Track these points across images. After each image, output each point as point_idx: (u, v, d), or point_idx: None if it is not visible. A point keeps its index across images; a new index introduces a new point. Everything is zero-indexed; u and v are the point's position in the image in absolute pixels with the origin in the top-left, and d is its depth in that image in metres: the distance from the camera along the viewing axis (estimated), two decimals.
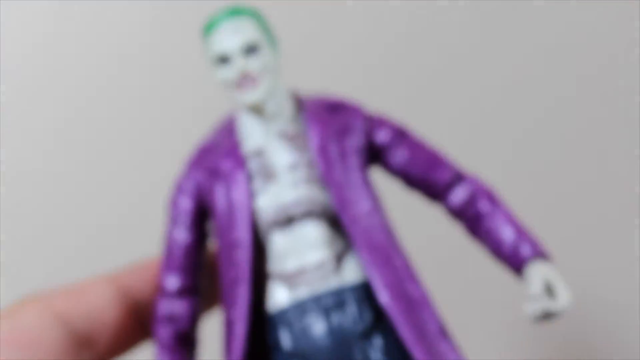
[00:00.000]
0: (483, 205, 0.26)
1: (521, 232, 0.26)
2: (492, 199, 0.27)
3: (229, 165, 0.26)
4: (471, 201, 0.27)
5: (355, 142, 0.26)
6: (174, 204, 0.29)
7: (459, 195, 0.27)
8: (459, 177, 0.27)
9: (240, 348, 0.24)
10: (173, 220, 0.29)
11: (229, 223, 0.25)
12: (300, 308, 0.24)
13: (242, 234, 0.24)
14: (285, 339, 0.24)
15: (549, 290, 0.24)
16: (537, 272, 0.25)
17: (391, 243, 0.25)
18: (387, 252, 0.25)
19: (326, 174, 0.25)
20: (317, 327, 0.23)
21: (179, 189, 0.29)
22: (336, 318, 0.23)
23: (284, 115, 0.26)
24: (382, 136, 0.27)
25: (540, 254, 0.26)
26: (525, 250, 0.25)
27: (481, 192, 0.27)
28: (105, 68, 0.77)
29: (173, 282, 0.28)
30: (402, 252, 0.26)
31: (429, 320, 0.24)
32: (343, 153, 0.25)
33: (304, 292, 0.24)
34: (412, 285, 0.24)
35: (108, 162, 0.76)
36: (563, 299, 0.24)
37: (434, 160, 0.27)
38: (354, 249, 0.24)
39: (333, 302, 0.23)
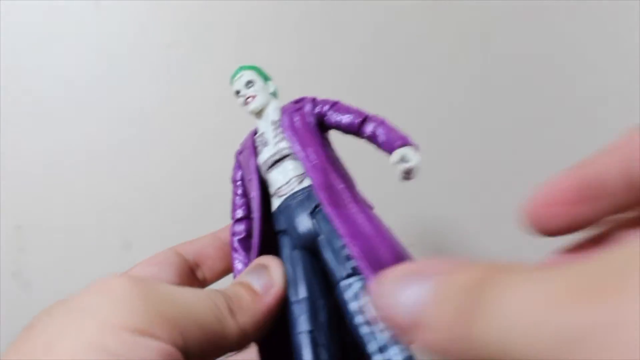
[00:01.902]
0: (380, 132, 0.44)
1: (402, 137, 0.42)
2: (385, 128, 0.44)
3: (247, 143, 0.47)
4: (372, 134, 0.44)
5: (307, 116, 0.45)
6: (234, 174, 0.49)
7: (365, 131, 0.44)
8: (364, 121, 0.44)
9: (258, 229, 0.44)
10: (232, 183, 0.49)
11: (247, 169, 0.46)
12: (284, 203, 0.43)
13: (253, 167, 0.45)
14: (281, 223, 0.43)
15: (405, 159, 0.40)
16: (397, 151, 0.41)
17: (329, 166, 0.42)
18: (325, 170, 0.42)
19: (290, 134, 0.44)
20: (292, 209, 0.42)
21: (234, 167, 0.50)
22: (299, 205, 0.42)
23: (271, 114, 0.47)
24: (321, 108, 0.45)
25: (406, 143, 0.42)
26: (397, 143, 0.42)
27: (379, 124, 0.44)
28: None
29: (238, 213, 0.48)
30: (337, 172, 0.43)
31: (342, 192, 0.41)
32: (302, 122, 0.44)
33: (285, 195, 0.43)
34: (336, 181, 0.42)
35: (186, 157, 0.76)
36: (413, 160, 0.40)
37: (348, 114, 0.45)
38: (305, 168, 0.43)
39: (301, 195, 0.42)
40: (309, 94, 0.44)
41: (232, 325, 0.35)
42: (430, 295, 0.22)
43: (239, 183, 0.48)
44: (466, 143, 0.78)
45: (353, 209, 0.40)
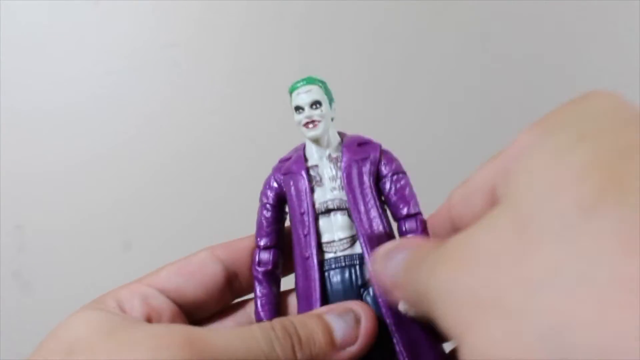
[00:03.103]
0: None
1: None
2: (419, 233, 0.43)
3: (298, 170, 0.43)
4: (407, 235, 0.42)
5: (369, 167, 0.42)
6: (263, 194, 0.45)
7: (404, 227, 0.42)
8: (409, 215, 0.42)
9: (316, 269, 0.40)
10: (262, 205, 0.44)
11: (299, 202, 0.42)
12: (328, 263, 0.41)
13: (308, 208, 0.42)
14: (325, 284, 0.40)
15: None
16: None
17: (383, 232, 0.40)
18: (379, 239, 0.40)
19: (349, 190, 0.41)
20: (335, 278, 0.40)
21: (266, 185, 0.45)
22: (347, 272, 0.40)
23: (331, 146, 0.43)
24: (385, 169, 0.43)
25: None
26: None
27: (415, 231, 0.42)
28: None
29: (263, 241, 0.44)
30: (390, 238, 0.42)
31: None
32: (360, 173, 0.42)
33: (330, 254, 0.41)
34: None
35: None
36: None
37: (402, 198, 0.43)
38: (358, 234, 0.40)
39: (348, 263, 0.40)
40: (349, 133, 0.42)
41: None
42: (402, 264, 0.30)
43: (269, 205, 0.44)
44: (466, 145, 0.78)
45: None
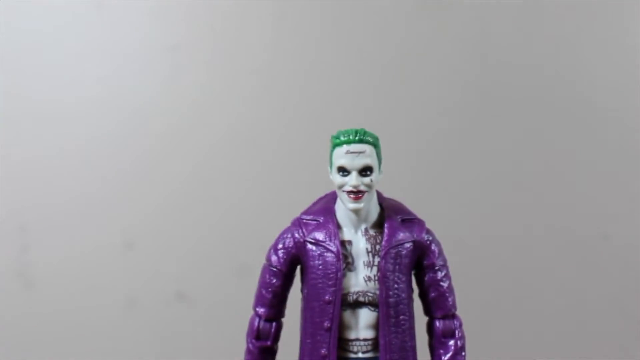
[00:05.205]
0: (447, 347, 0.38)
1: None
2: (456, 349, 0.38)
3: (330, 243, 0.36)
4: (443, 336, 0.39)
5: (410, 257, 0.37)
6: (274, 253, 0.38)
7: (440, 327, 0.39)
8: (446, 316, 0.39)
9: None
10: (269, 266, 0.38)
11: (324, 284, 0.36)
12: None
13: (335, 298, 0.35)
14: None
15: None
16: None
17: (408, 345, 0.36)
18: (402, 352, 0.36)
19: (382, 282, 0.36)
20: None
21: (278, 243, 0.38)
22: None
23: (370, 218, 0.37)
24: (426, 260, 0.38)
25: None
26: None
27: (453, 337, 0.39)
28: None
29: (262, 311, 0.38)
30: (414, 346, 0.37)
31: None
32: (399, 264, 0.36)
33: (350, 355, 0.36)
34: None
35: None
36: None
37: (442, 294, 0.38)
38: (381, 341, 0.36)
39: None
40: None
41: None
42: None
43: (278, 272, 0.38)
44: (466, 148, 0.78)
45: None
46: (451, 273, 0.39)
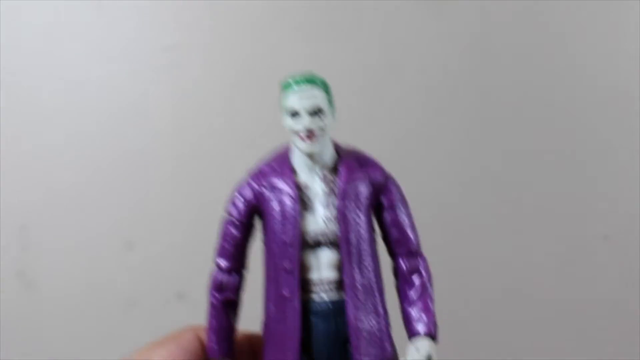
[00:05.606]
0: (412, 285, 0.37)
1: (424, 312, 0.36)
2: (423, 284, 0.37)
3: (286, 187, 0.36)
4: (408, 275, 0.37)
5: (368, 197, 0.36)
6: (233, 205, 0.38)
7: (405, 264, 0.37)
8: (410, 253, 0.37)
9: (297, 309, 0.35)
10: (229, 218, 0.38)
11: (283, 227, 0.35)
12: (309, 306, 0.36)
13: (294, 239, 0.35)
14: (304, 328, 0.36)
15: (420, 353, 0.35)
16: (418, 347, 0.35)
17: (373, 285, 0.36)
18: (366, 292, 0.35)
19: (344, 227, 0.35)
20: (319, 326, 0.36)
21: (237, 194, 0.38)
22: (333, 322, 0.36)
23: (325, 162, 0.36)
24: (385, 200, 0.37)
25: (430, 334, 0.36)
26: (420, 327, 0.36)
27: (419, 273, 0.37)
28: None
29: (226, 263, 0.38)
30: (380, 295, 0.36)
31: (381, 333, 0.36)
32: (357, 205, 0.36)
33: (314, 295, 0.36)
34: (376, 312, 0.36)
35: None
36: (423, 354, 0.35)
37: (404, 233, 0.37)
38: (345, 283, 0.35)
39: (334, 309, 0.36)
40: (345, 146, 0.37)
41: None
42: None
43: (238, 222, 0.38)
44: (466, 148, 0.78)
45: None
46: (415, 217, 0.38)
